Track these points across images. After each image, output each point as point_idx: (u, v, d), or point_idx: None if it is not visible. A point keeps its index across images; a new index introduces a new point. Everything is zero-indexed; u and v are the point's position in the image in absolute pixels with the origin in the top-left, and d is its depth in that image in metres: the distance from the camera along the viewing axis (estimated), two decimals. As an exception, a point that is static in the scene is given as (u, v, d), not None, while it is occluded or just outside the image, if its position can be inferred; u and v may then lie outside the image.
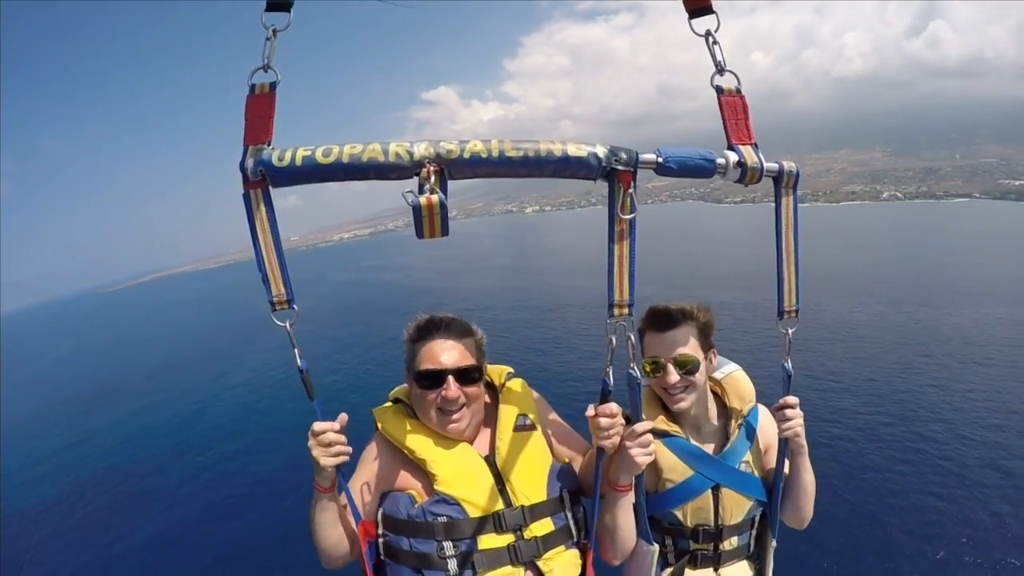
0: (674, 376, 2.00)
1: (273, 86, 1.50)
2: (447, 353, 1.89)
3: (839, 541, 11.39)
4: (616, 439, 1.78)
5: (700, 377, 2.02)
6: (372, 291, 62.16)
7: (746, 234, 75.00)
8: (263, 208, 1.49)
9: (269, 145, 1.48)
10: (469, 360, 1.92)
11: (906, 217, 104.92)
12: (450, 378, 1.86)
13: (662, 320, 2.02)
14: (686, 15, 1.74)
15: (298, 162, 1.44)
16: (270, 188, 1.49)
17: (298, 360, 1.60)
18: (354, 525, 1.84)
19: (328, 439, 1.69)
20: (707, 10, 1.72)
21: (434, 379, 1.86)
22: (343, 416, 1.74)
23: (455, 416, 1.89)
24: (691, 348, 2.00)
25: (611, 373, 1.72)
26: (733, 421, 2.12)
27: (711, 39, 1.73)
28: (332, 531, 1.79)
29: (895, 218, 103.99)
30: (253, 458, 19.99)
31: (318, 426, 1.69)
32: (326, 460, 1.68)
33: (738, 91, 1.77)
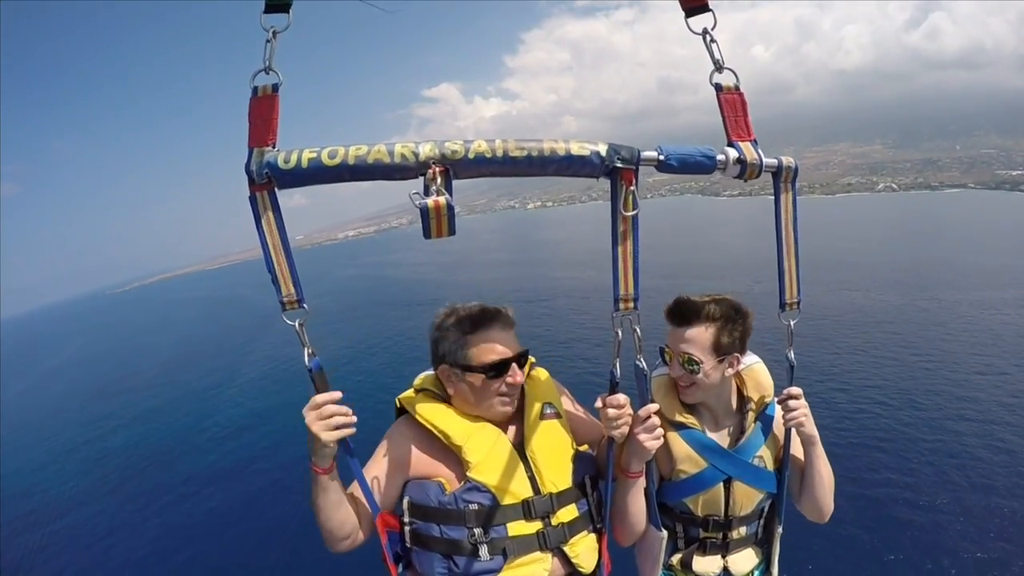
0: (677, 370, 2.04)
1: (275, 88, 1.51)
2: (508, 342, 1.92)
3: (842, 525, 11.40)
4: (625, 429, 1.83)
5: (703, 379, 2.00)
6: (376, 286, 62.24)
7: (743, 226, 75.16)
8: (270, 210, 1.51)
9: (274, 147, 1.49)
10: (520, 347, 1.97)
11: (897, 207, 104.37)
12: (514, 365, 1.91)
13: (676, 315, 2.03)
14: (682, 13, 1.75)
15: (304, 164, 1.45)
16: (276, 190, 1.50)
17: (307, 360, 1.61)
18: (365, 511, 1.84)
19: (329, 411, 1.65)
20: (703, 8, 1.73)
21: (502, 368, 1.89)
22: (337, 394, 1.68)
23: (511, 399, 1.95)
24: (698, 349, 1.98)
25: (618, 365, 1.77)
26: (749, 415, 2.12)
27: (708, 37, 1.74)
28: (334, 514, 1.77)
29: (885, 208, 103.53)
30: (272, 444, 20.10)
31: (320, 398, 1.65)
32: (328, 435, 1.64)
33: (737, 88, 1.79)
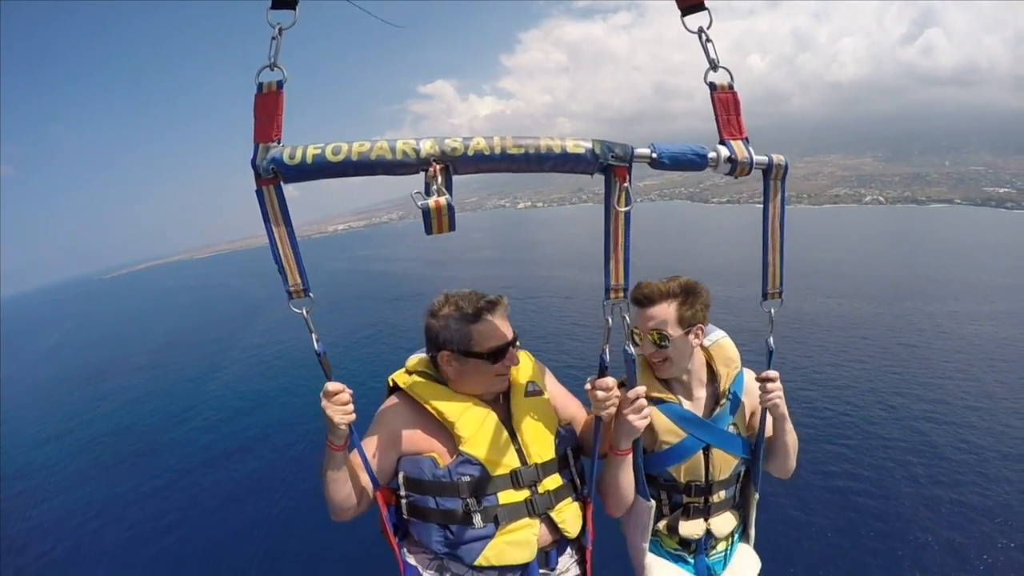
0: (648, 348, 2.19)
1: (280, 84, 1.55)
2: (506, 328, 2.07)
3: (811, 497, 12.06)
4: (612, 410, 1.96)
5: (674, 351, 2.17)
6: (366, 279, 62.21)
7: (731, 232, 75.53)
8: (276, 203, 1.57)
9: (278, 142, 1.53)
10: (513, 331, 2.13)
11: (881, 219, 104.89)
12: (511, 348, 2.06)
13: (640, 298, 2.18)
14: (679, 13, 1.78)
15: (308, 160, 1.50)
16: (282, 184, 1.55)
17: (315, 344, 1.72)
18: (367, 483, 1.96)
19: (344, 399, 1.81)
20: (699, 7, 1.77)
21: (503, 351, 2.03)
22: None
23: (507, 377, 2.11)
24: (666, 324, 2.15)
25: (607, 350, 1.86)
26: (721, 386, 2.27)
27: (704, 36, 1.79)
28: (343, 487, 1.92)
29: (870, 220, 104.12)
30: (264, 428, 20.28)
31: (332, 386, 1.79)
32: (341, 418, 1.79)
33: (730, 87, 1.84)
